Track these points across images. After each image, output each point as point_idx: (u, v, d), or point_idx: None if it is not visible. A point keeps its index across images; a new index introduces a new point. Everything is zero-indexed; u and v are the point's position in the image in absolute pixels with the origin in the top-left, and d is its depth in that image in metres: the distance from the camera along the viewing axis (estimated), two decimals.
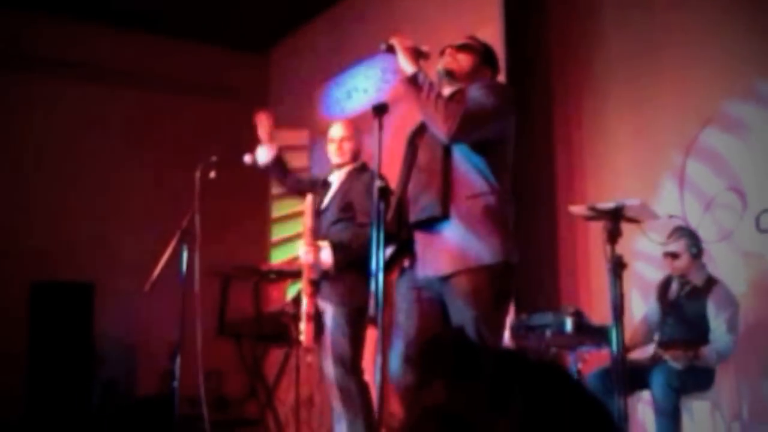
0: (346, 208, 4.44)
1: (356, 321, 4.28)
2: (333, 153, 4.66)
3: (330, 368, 4.29)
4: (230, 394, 7.74)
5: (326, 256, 4.29)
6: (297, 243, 4.88)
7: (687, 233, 4.85)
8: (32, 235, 8.15)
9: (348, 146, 4.62)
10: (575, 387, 0.95)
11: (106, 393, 7.95)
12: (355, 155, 4.65)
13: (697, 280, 4.78)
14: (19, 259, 7.93)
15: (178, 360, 5.03)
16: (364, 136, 4.67)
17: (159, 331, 7.37)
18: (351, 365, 4.29)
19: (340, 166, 4.65)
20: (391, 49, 3.43)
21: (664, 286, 4.95)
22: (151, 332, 8.02)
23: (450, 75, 3.52)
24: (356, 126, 4.75)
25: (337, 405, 4.32)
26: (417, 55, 3.41)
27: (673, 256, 4.79)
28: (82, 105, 8.64)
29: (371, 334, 4.04)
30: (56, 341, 7.53)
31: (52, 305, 7.65)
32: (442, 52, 3.60)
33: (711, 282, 4.76)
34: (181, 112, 9.08)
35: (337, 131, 4.67)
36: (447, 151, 3.35)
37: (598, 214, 3.77)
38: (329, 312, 4.33)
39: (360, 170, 4.58)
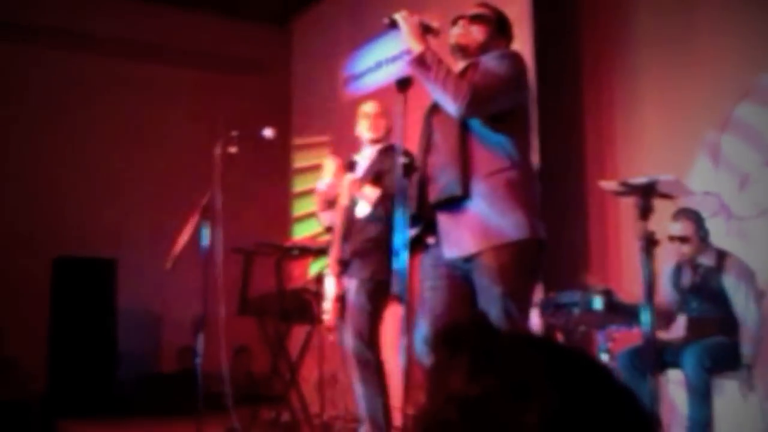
0: (376, 177, 4.47)
1: (377, 297, 4.38)
2: (365, 128, 4.67)
3: (350, 340, 4.36)
4: (256, 371, 7.72)
5: (370, 192, 4.44)
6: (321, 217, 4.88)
7: (693, 215, 4.74)
8: (55, 211, 8.16)
9: (382, 122, 4.64)
10: (606, 376, 0.89)
11: (128, 369, 7.97)
12: (388, 132, 4.64)
13: (708, 260, 4.71)
14: (41, 235, 7.95)
15: (201, 336, 5.01)
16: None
17: (181, 308, 7.38)
18: (368, 339, 4.37)
19: (373, 142, 4.66)
20: (394, 24, 3.33)
21: (676, 273, 4.84)
22: (173, 309, 8.03)
23: (462, 49, 3.44)
24: (378, 105, 4.74)
25: (355, 378, 4.40)
26: (425, 31, 3.32)
27: (682, 240, 4.68)
28: (102, 81, 8.62)
29: (396, 314, 4.03)
30: (78, 317, 7.56)
31: (75, 281, 7.67)
32: (454, 22, 3.51)
33: (722, 257, 4.69)
34: (201, 87, 9.04)
35: (370, 107, 4.69)
36: (463, 128, 3.28)
37: (630, 190, 3.67)
38: (353, 287, 4.41)
39: (389, 150, 4.55)
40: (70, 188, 8.32)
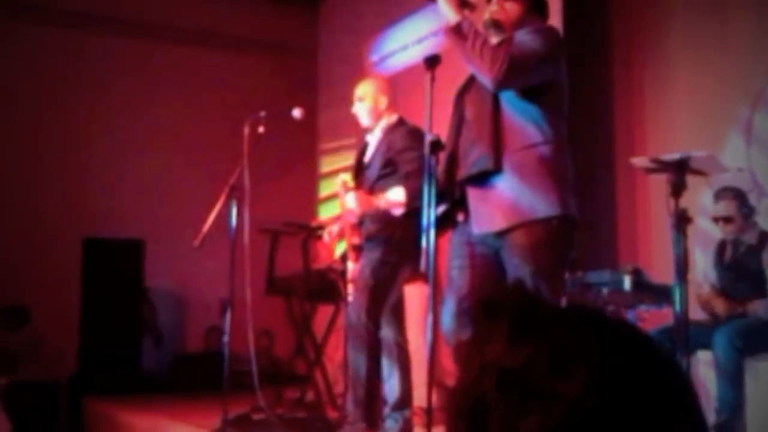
0: (387, 164, 4.45)
1: (383, 275, 4.41)
2: (358, 115, 4.68)
3: (352, 314, 4.43)
4: (279, 352, 7.73)
5: (351, 201, 4.45)
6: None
7: (736, 193, 4.65)
8: (84, 192, 8.20)
9: (362, 107, 4.60)
10: (650, 347, 0.85)
11: (156, 348, 8.02)
12: (373, 114, 4.59)
13: (750, 239, 4.64)
14: (71, 216, 8.00)
15: (228, 316, 5.01)
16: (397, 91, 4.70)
17: (209, 288, 7.40)
18: (368, 313, 4.37)
19: (368, 128, 4.66)
20: None
21: (720, 250, 4.77)
22: (200, 288, 8.06)
23: (496, 26, 3.40)
24: (379, 83, 4.72)
25: (348, 346, 4.48)
26: (461, 3, 3.30)
27: (726, 220, 4.59)
28: (131, 63, 8.66)
29: (422, 293, 4.00)
30: (108, 297, 7.60)
31: (104, 261, 7.71)
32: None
33: (764, 236, 4.61)
34: (230, 68, 9.04)
35: (358, 90, 4.66)
36: (496, 101, 3.24)
37: (662, 167, 3.62)
38: (362, 265, 4.48)
39: (396, 125, 4.55)
40: (99, 169, 8.37)
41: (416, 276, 4.30)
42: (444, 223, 3.37)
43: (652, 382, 0.82)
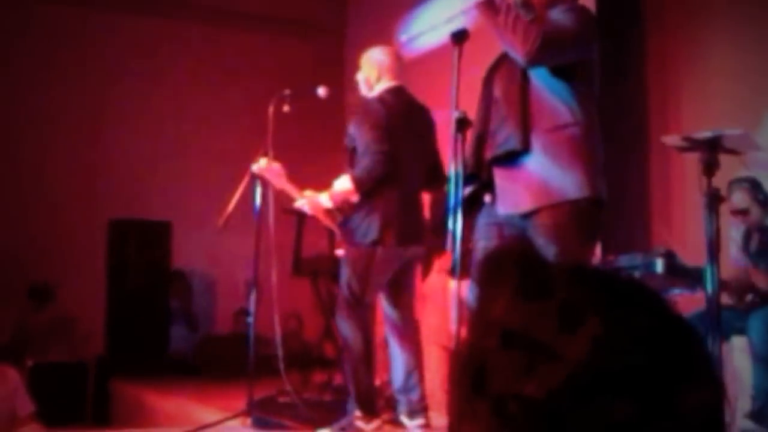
0: (352, 151, 4.44)
1: (360, 260, 4.33)
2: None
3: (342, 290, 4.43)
4: (310, 334, 7.70)
5: (324, 200, 4.48)
6: None
7: (747, 183, 4.55)
8: (111, 173, 8.22)
9: (360, 77, 4.61)
10: (662, 309, 0.82)
11: (183, 330, 8.02)
12: (367, 84, 4.57)
13: None
14: (98, 198, 8.02)
15: (253, 297, 4.99)
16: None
17: (236, 269, 7.37)
18: (357, 293, 4.32)
19: None
20: None
21: (746, 238, 4.69)
22: (229, 270, 8.03)
23: (527, 6, 3.33)
24: (377, 53, 4.66)
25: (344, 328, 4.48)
26: None
27: (743, 213, 4.47)
28: (158, 43, 8.65)
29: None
30: (134, 279, 7.61)
31: (131, 243, 7.71)
32: None
33: None
34: (257, 48, 9.02)
35: None
36: (525, 81, 3.20)
37: (694, 145, 3.54)
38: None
39: (363, 103, 4.57)
40: (126, 150, 8.38)
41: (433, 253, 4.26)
42: (471, 204, 3.32)
43: (662, 341, 0.79)
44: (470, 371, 0.81)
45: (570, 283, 0.82)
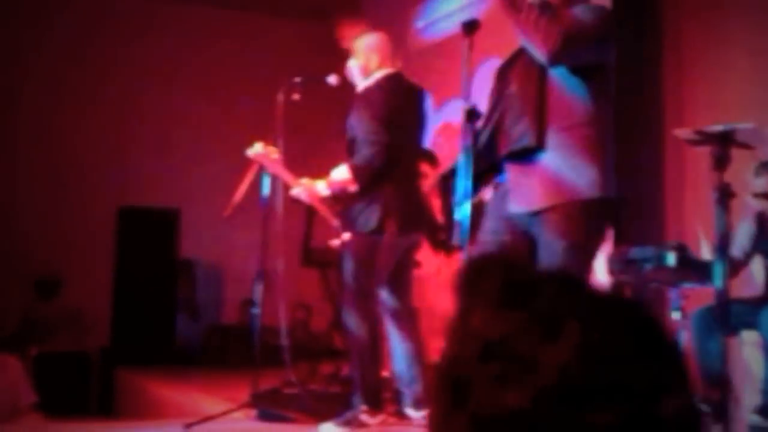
0: (352, 141, 4.38)
1: (363, 249, 4.30)
2: None
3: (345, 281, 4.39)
4: (318, 325, 7.69)
5: (321, 188, 4.44)
6: None
7: None
8: (119, 161, 8.21)
9: (354, 64, 4.51)
10: (646, 324, 0.83)
11: (190, 319, 8.02)
12: (363, 71, 4.49)
13: None
14: (106, 185, 8.02)
15: (260, 288, 4.95)
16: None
17: (244, 259, 7.35)
18: (362, 283, 4.31)
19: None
20: None
21: (759, 224, 4.61)
22: (237, 260, 8.03)
23: (545, 6, 3.28)
24: (374, 39, 4.58)
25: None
26: None
27: (766, 196, 4.41)
28: (164, 27, 8.69)
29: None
30: (142, 267, 7.61)
31: (139, 230, 7.71)
32: None
33: None
34: (268, 33, 9.00)
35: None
36: (542, 78, 3.19)
37: (705, 138, 3.51)
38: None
39: (363, 91, 4.46)
40: (134, 138, 8.39)
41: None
42: (481, 182, 3.34)
43: (641, 350, 0.80)
44: (450, 385, 0.81)
45: (552, 293, 0.82)
